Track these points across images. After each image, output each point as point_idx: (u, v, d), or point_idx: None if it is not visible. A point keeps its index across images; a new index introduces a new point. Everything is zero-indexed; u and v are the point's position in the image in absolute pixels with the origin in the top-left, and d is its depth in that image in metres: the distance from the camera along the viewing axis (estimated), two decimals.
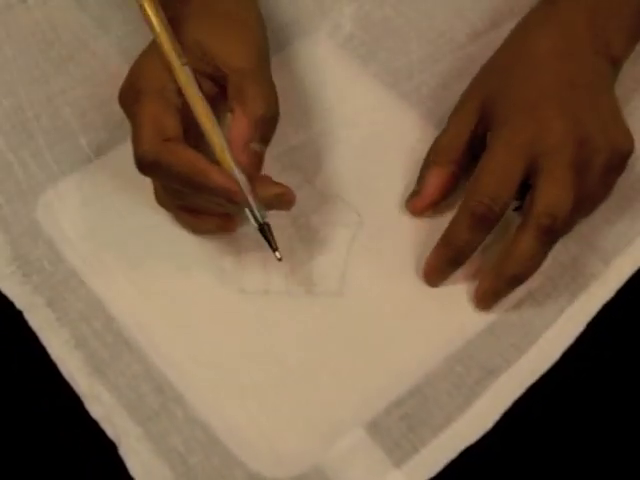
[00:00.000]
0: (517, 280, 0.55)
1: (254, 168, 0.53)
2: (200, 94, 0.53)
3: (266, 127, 0.53)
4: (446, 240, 0.56)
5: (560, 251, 0.57)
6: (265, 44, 0.57)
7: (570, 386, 0.54)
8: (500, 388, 0.53)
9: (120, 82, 0.63)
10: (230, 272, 0.57)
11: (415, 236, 0.59)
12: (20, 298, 0.56)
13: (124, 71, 0.64)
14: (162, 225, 0.58)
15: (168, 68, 0.53)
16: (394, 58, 0.66)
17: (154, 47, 0.54)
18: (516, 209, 0.58)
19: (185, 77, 0.52)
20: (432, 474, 0.51)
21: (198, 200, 0.54)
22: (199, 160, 0.51)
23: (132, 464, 0.51)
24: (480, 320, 0.56)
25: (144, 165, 0.51)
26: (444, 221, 0.56)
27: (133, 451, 0.51)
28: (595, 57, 0.59)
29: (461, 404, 0.53)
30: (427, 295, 0.57)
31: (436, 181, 0.59)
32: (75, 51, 0.65)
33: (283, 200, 0.53)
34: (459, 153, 0.58)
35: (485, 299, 0.56)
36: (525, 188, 0.56)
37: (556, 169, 0.54)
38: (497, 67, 0.60)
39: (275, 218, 0.57)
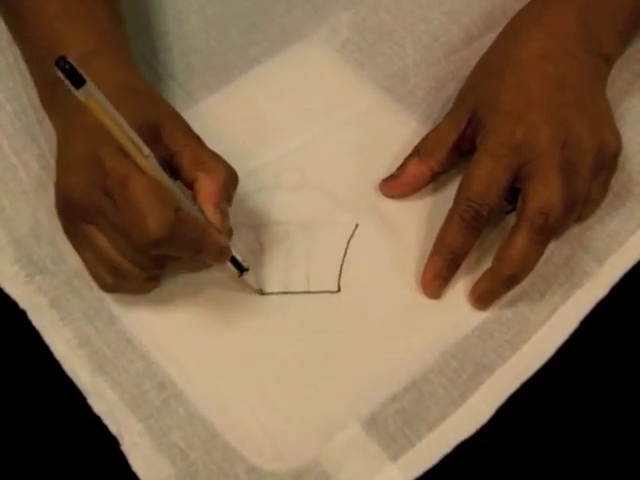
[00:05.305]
0: (513, 280, 0.56)
1: (225, 225, 0.53)
2: (169, 178, 0.51)
3: (231, 186, 0.54)
4: (439, 244, 0.57)
5: (554, 251, 0.58)
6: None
7: (563, 382, 0.55)
8: (494, 384, 0.54)
9: None
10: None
11: (410, 235, 0.59)
12: (24, 298, 0.56)
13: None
14: None
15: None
16: (390, 62, 0.67)
17: (108, 136, 0.49)
18: (509, 212, 0.59)
19: (152, 168, 0.50)
20: (427, 467, 0.51)
21: (181, 263, 0.55)
22: (202, 223, 0.52)
23: (134, 459, 0.51)
24: (475, 317, 0.56)
25: (160, 241, 0.50)
26: (438, 220, 0.57)
27: (135, 447, 0.52)
28: (586, 56, 0.60)
29: (456, 399, 0.54)
30: (422, 292, 0.57)
31: (414, 172, 0.60)
32: None
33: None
34: (444, 152, 0.60)
35: (482, 299, 0.57)
36: (517, 191, 0.57)
37: (545, 173, 0.55)
38: (488, 71, 0.61)
39: (274, 217, 0.59)
